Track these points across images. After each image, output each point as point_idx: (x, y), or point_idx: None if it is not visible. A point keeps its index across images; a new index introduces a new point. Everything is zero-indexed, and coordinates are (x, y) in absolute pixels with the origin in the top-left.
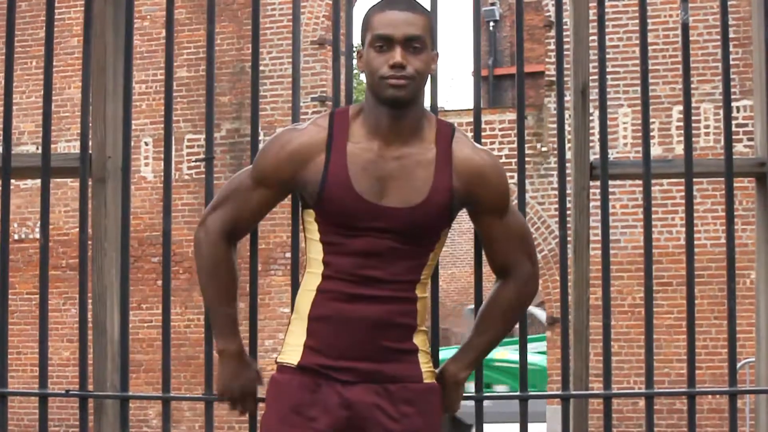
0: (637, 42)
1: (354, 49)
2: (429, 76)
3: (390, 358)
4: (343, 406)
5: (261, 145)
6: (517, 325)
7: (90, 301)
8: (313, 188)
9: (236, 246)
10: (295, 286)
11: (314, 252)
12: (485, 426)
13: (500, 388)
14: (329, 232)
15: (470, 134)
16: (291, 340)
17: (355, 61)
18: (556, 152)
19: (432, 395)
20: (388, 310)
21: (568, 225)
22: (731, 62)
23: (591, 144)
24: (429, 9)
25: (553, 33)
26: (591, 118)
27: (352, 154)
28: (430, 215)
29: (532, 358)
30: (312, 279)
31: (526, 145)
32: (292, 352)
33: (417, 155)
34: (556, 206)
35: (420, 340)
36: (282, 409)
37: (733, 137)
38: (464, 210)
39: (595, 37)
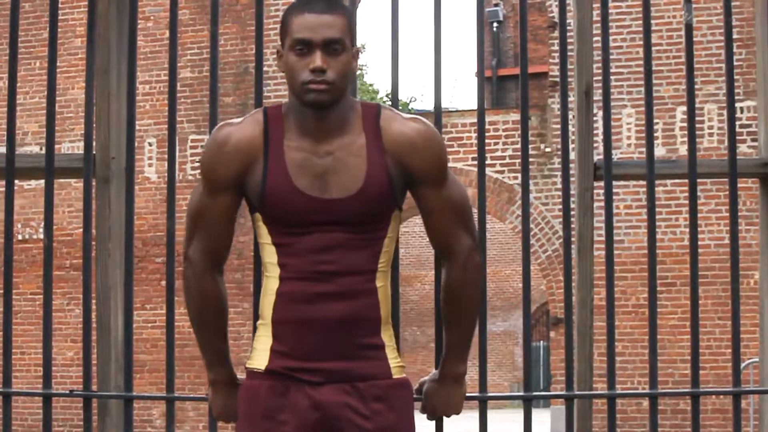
0: (641, 43)
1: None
2: (352, 74)
3: (357, 356)
4: (313, 408)
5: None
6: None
7: (94, 301)
8: (255, 189)
9: (222, 272)
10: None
11: (268, 255)
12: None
13: None
14: (279, 234)
15: (474, 135)
16: (258, 345)
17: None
18: (560, 153)
19: (402, 390)
20: (351, 306)
21: (572, 226)
22: (735, 63)
23: (595, 145)
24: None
25: (556, 34)
26: (595, 118)
27: (289, 152)
28: (372, 198)
29: None
30: (270, 283)
31: (530, 146)
32: (260, 357)
33: (348, 145)
34: (560, 207)
35: (387, 336)
36: (253, 416)
37: (737, 138)
38: None
39: (599, 38)
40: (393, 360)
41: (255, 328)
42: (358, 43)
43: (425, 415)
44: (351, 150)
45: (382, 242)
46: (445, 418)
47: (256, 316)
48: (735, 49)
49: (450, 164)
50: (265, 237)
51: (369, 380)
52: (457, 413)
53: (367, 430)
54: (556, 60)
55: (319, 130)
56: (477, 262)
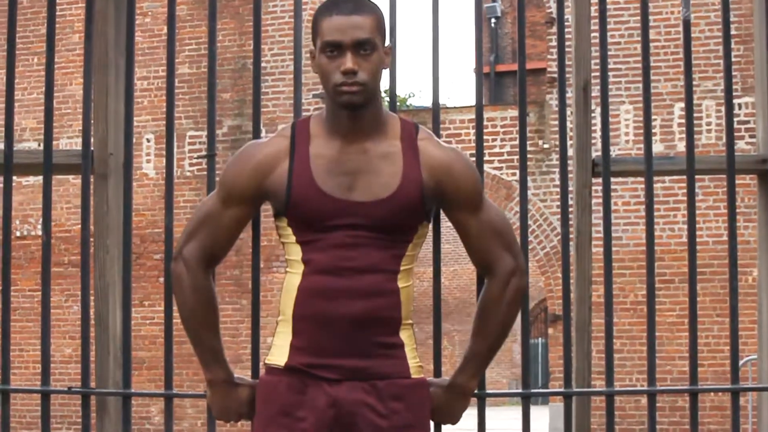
0: (639, 39)
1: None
2: (384, 71)
3: (376, 354)
4: (330, 405)
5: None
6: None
7: (92, 298)
8: (280, 195)
9: (214, 273)
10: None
11: (293, 253)
12: None
13: None
14: (304, 233)
15: (472, 131)
16: (278, 341)
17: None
18: (558, 149)
19: (420, 390)
20: (371, 305)
21: (570, 222)
22: (733, 59)
23: (593, 141)
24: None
25: (554, 30)
26: (593, 115)
27: (315, 156)
28: (401, 208)
29: None
30: (292, 278)
31: (528, 142)
32: (279, 354)
33: (381, 149)
34: (558, 203)
35: (406, 335)
36: (270, 412)
37: (735, 134)
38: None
39: (597, 34)
40: (412, 360)
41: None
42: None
43: None
44: (385, 155)
45: (407, 246)
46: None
47: (256, 313)
48: (733, 46)
49: None
50: (290, 237)
51: (387, 379)
52: (453, 424)
53: (383, 428)
54: (554, 56)
55: (353, 130)
56: (519, 284)
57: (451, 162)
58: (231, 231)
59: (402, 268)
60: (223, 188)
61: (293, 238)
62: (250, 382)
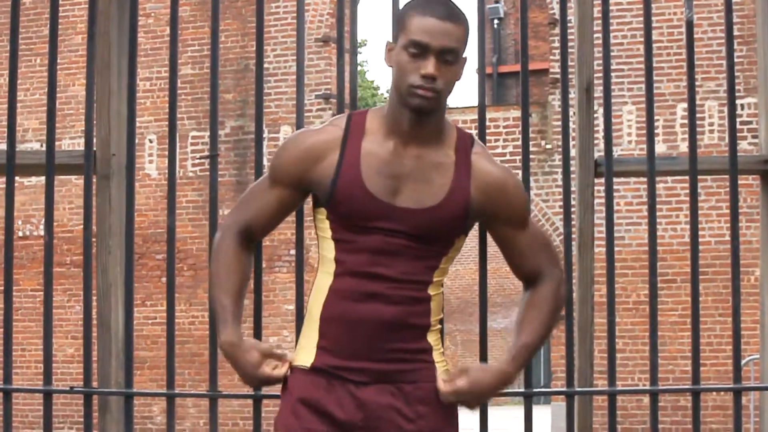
0: (642, 39)
1: (357, 46)
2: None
3: (404, 359)
4: (357, 407)
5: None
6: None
7: (94, 298)
8: (325, 186)
9: (251, 246)
10: (300, 283)
11: (326, 249)
12: None
13: None
14: (341, 230)
15: (475, 131)
16: (304, 342)
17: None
18: (560, 149)
19: None
20: (402, 311)
21: (573, 222)
22: (735, 60)
23: (595, 141)
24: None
25: (557, 30)
26: (595, 115)
27: (367, 153)
28: (444, 220)
29: None
30: (324, 278)
31: (530, 143)
32: (306, 354)
33: (435, 158)
34: (561, 204)
35: (434, 339)
36: (293, 402)
37: (738, 135)
38: None
39: (600, 35)
40: (440, 363)
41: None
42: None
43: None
44: (437, 164)
45: (441, 259)
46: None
47: (258, 313)
48: (736, 46)
49: None
50: (326, 231)
51: (414, 382)
52: (470, 408)
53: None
54: (557, 57)
55: (411, 134)
56: (565, 293)
57: (506, 180)
58: (272, 210)
59: (434, 279)
60: (272, 169)
61: (329, 233)
62: (262, 348)
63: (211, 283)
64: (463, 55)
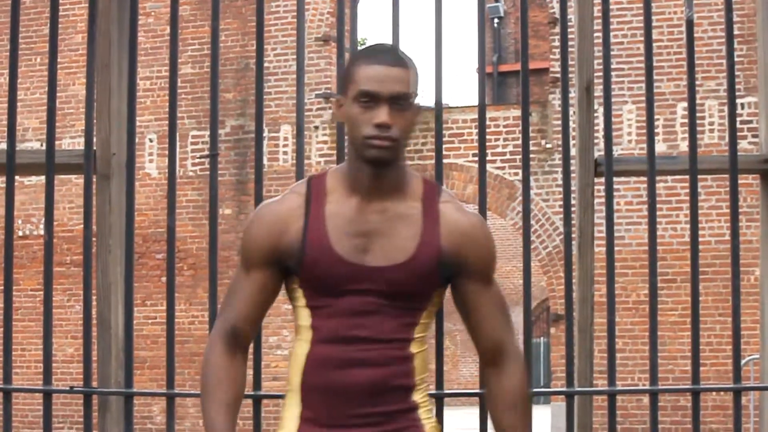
0: (642, 39)
1: (357, 45)
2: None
3: (389, 421)
4: None
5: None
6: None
7: (94, 297)
8: (294, 255)
9: (242, 350)
10: None
11: (302, 318)
12: None
13: None
14: (314, 296)
15: (475, 131)
16: (287, 413)
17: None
18: (560, 149)
19: None
20: (383, 373)
21: (573, 222)
22: (736, 59)
23: (595, 141)
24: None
25: (557, 30)
26: (595, 114)
27: (332, 215)
28: (416, 275)
29: None
30: (301, 346)
31: (530, 142)
32: (289, 426)
33: (400, 210)
34: (561, 203)
35: (420, 397)
36: None
37: (738, 134)
38: None
39: (600, 34)
40: (427, 420)
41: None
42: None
43: None
44: (404, 216)
45: (420, 314)
46: (446, 414)
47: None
48: (736, 45)
49: (450, 160)
50: (300, 300)
51: None
52: None
53: None
54: (557, 56)
55: (374, 189)
56: (525, 370)
57: (474, 228)
58: (255, 298)
59: (415, 336)
60: (242, 253)
61: (303, 302)
62: None
63: (202, 396)
64: (417, 102)
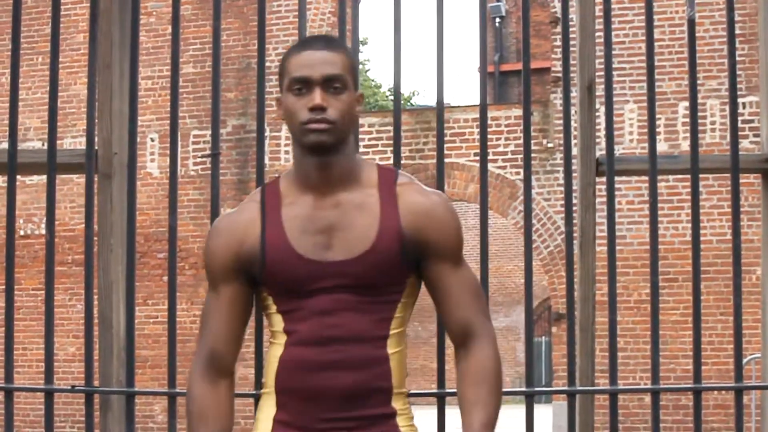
0: (644, 38)
1: (359, 44)
2: (355, 118)
3: (366, 426)
4: None
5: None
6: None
7: (96, 297)
8: (256, 262)
9: (224, 378)
10: None
11: (275, 324)
12: None
13: None
14: (284, 301)
15: (476, 130)
16: (261, 414)
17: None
18: (562, 148)
19: None
20: (359, 376)
21: (574, 221)
22: (737, 58)
23: (597, 140)
24: (349, 45)
25: (559, 29)
26: (597, 114)
27: (288, 216)
28: (381, 262)
29: None
30: (275, 349)
31: (532, 141)
32: (263, 428)
33: (357, 200)
34: (562, 202)
35: (399, 402)
36: None
37: (739, 133)
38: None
39: (602, 34)
40: (405, 428)
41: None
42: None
43: None
44: (360, 205)
45: (395, 306)
46: (447, 413)
47: (259, 312)
48: (737, 45)
49: (452, 160)
50: (271, 307)
51: None
52: None
53: None
54: (559, 55)
55: (324, 181)
56: (497, 350)
57: (434, 206)
58: (228, 316)
59: (391, 332)
60: (208, 270)
61: (274, 308)
62: None
63: (188, 429)
64: (358, 90)
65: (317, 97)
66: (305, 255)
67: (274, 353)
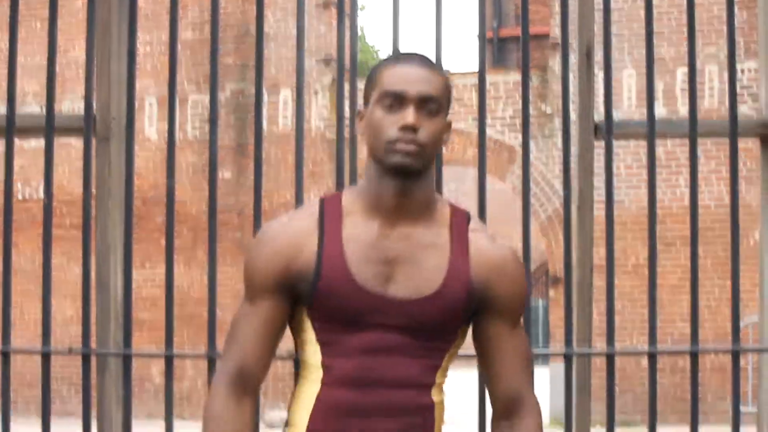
0: (642, 3)
1: (358, 10)
2: (441, 146)
3: None
4: None
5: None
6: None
7: (93, 259)
8: (306, 282)
9: (250, 396)
10: None
11: (310, 354)
12: None
13: None
14: (326, 330)
15: (475, 95)
16: None
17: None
18: (560, 113)
19: None
20: (402, 425)
21: (572, 185)
22: (736, 24)
23: (595, 105)
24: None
25: None
26: (595, 79)
27: (349, 238)
28: (445, 309)
29: None
30: (309, 387)
31: (530, 106)
32: None
33: (428, 237)
34: (560, 167)
35: None
36: None
37: (738, 99)
38: None
39: None
40: None
41: None
42: None
43: None
44: (432, 244)
45: (444, 355)
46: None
47: None
48: (736, 11)
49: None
50: (309, 333)
51: None
52: None
53: None
54: (558, 21)
55: (398, 208)
56: (542, 423)
57: (506, 262)
58: (262, 334)
59: (437, 380)
60: (248, 280)
61: (312, 335)
62: None
63: None
64: (447, 117)
65: (410, 115)
66: (364, 286)
67: (310, 391)
